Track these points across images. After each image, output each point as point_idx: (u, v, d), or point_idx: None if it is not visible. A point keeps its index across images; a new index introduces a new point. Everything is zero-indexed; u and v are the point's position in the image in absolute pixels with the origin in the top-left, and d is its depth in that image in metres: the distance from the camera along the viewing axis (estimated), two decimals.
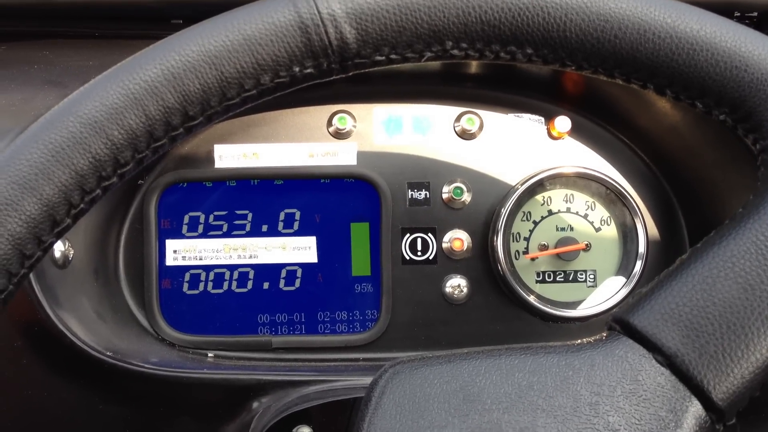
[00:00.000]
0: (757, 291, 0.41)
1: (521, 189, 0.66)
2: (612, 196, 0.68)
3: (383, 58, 0.44)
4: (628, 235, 0.67)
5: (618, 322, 0.43)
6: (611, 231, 0.68)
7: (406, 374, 0.42)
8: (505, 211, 0.66)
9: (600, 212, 0.68)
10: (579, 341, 0.44)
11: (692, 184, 0.67)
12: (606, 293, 0.67)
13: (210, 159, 0.66)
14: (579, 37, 0.44)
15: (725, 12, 0.71)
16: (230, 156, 0.66)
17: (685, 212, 0.69)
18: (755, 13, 0.80)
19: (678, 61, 0.44)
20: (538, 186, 0.67)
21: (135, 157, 0.41)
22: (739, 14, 0.81)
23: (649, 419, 0.40)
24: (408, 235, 0.67)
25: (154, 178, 0.65)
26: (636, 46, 0.44)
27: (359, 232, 0.67)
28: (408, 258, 0.67)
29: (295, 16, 0.41)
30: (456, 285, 0.67)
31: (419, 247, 0.67)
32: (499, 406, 0.41)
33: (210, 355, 0.63)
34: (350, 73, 0.45)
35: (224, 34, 0.42)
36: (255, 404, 0.56)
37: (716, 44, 0.43)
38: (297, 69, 0.42)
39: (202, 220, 0.65)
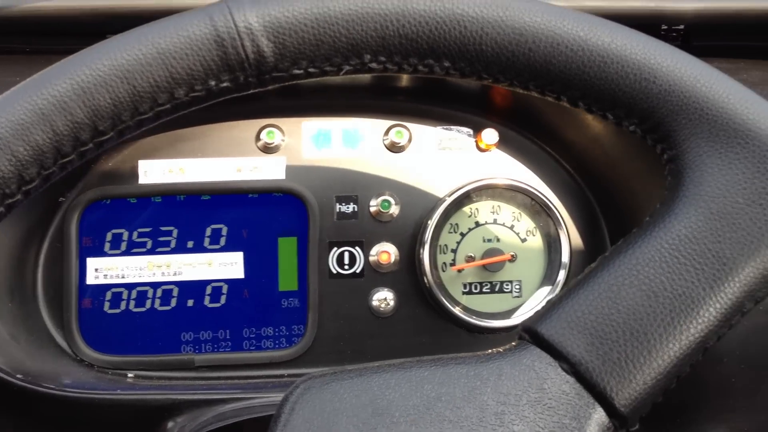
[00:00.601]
0: (660, 298, 0.42)
1: (448, 201, 0.67)
2: (537, 207, 0.69)
3: (301, 71, 0.44)
4: (552, 245, 0.69)
5: (527, 331, 0.44)
6: (537, 241, 0.69)
7: (317, 389, 0.43)
8: (431, 224, 0.66)
9: (526, 223, 0.69)
10: (489, 351, 0.44)
11: (614, 194, 0.69)
12: (532, 303, 0.68)
13: (134, 175, 0.65)
14: (494, 50, 0.45)
15: (652, 25, 0.73)
16: (155, 171, 0.66)
17: (608, 222, 0.70)
18: (682, 26, 0.82)
19: (589, 73, 0.45)
20: (465, 198, 0.68)
21: (41, 174, 0.41)
22: (666, 27, 0.83)
23: (553, 427, 0.41)
24: (335, 248, 0.67)
25: (76, 194, 0.65)
26: (549, 59, 0.45)
27: (287, 247, 0.67)
28: (335, 272, 0.67)
29: (212, 29, 0.42)
30: (383, 298, 0.67)
31: (346, 261, 0.67)
32: (407, 418, 0.41)
33: (130, 375, 0.63)
34: (268, 87, 0.45)
35: (137, 47, 0.41)
36: (170, 424, 0.56)
37: (626, 56, 0.44)
38: (213, 83, 0.42)
39: (125, 237, 0.65)
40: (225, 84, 0.42)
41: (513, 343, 0.44)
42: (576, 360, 0.42)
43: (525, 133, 0.70)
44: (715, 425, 0.61)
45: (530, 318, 0.44)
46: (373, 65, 0.45)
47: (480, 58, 0.45)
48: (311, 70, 0.44)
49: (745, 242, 0.42)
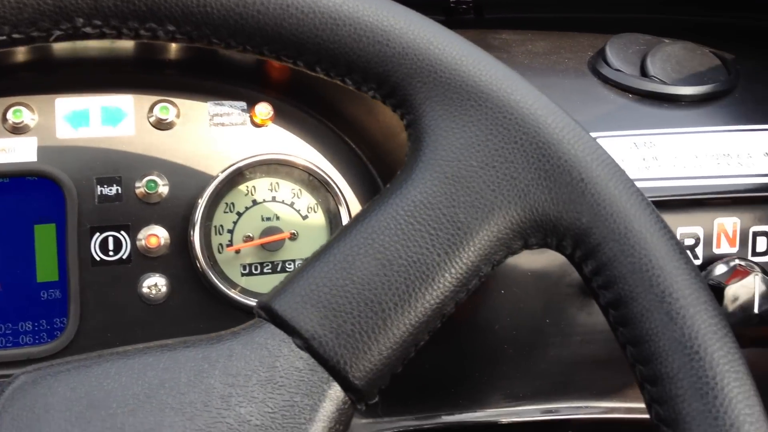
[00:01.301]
0: (395, 266, 0.42)
1: (220, 179, 0.64)
2: (316, 183, 0.67)
3: (4, 37, 0.40)
4: (333, 221, 0.67)
5: (262, 309, 0.42)
6: (318, 218, 0.68)
7: (29, 385, 0.39)
8: (202, 203, 0.64)
9: (307, 200, 0.67)
10: (222, 332, 0.42)
11: (394, 166, 0.68)
12: None
13: None
14: (221, 12, 0.42)
15: None
16: None
17: None
18: None
19: (322, 36, 0.43)
20: (239, 175, 0.65)
21: None
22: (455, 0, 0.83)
23: (284, 406, 0.39)
24: (98, 234, 0.63)
25: None
26: (279, 21, 0.43)
27: (44, 235, 0.62)
28: (99, 259, 0.63)
29: None
30: (153, 284, 0.64)
31: (111, 247, 0.63)
32: (125, 408, 0.38)
33: None
34: None
35: None
36: None
37: (358, 18, 0.43)
38: None
39: None
40: None
41: (249, 322, 0.43)
42: (309, 335, 0.40)
43: (303, 107, 0.69)
44: (491, 392, 0.61)
45: (266, 294, 0.43)
46: (88, 30, 0.42)
47: (206, 21, 0.42)
48: (16, 36, 0.41)
49: (479, 206, 0.42)
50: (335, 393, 0.40)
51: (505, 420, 0.61)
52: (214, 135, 0.66)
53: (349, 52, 0.43)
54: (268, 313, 0.41)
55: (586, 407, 0.62)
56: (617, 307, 0.41)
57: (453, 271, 0.42)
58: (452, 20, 0.81)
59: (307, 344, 0.40)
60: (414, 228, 0.42)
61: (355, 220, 0.43)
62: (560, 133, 0.42)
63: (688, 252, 0.61)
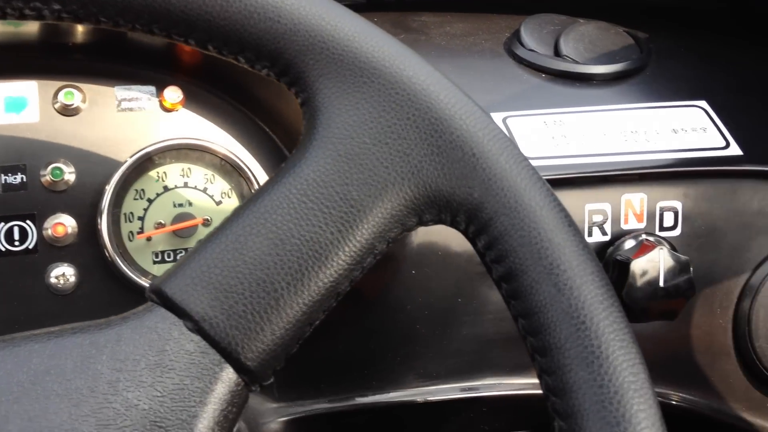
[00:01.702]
0: (287, 245, 0.41)
1: (128, 164, 0.63)
2: (229, 168, 0.67)
3: None
4: None
5: (153, 292, 0.42)
6: (233, 204, 0.67)
7: None
8: (110, 189, 0.63)
9: (220, 185, 0.67)
10: (113, 317, 0.42)
11: None
12: None
13: None
14: None
15: None
16: None
17: None
18: None
19: (212, 13, 0.43)
20: (148, 161, 0.64)
21: None
22: None
23: (173, 389, 0.39)
24: (2, 224, 0.62)
25: None
26: None
27: None
28: (4, 249, 0.62)
29: None
30: (61, 274, 0.63)
31: (17, 237, 0.62)
32: (9, 397, 0.38)
33: None
34: None
35: None
36: None
37: None
38: None
39: None
40: None
41: (140, 307, 0.42)
42: (199, 317, 0.40)
43: (214, 91, 0.68)
44: (405, 373, 0.61)
45: (158, 278, 0.42)
46: None
47: None
48: None
49: (372, 183, 0.42)
50: (227, 375, 0.40)
51: (419, 399, 0.61)
52: (122, 120, 0.65)
53: (240, 29, 0.43)
54: (159, 296, 0.41)
55: (500, 384, 0.63)
56: (508, 280, 0.41)
57: (347, 249, 0.42)
58: (373, 2, 0.81)
59: (197, 326, 0.40)
60: (307, 207, 0.41)
61: (249, 201, 0.43)
62: (452, 109, 0.42)
63: (597, 228, 0.62)
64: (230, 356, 0.40)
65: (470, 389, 0.63)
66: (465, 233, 0.43)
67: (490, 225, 0.42)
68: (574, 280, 0.40)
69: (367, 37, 0.43)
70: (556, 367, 0.39)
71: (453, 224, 0.43)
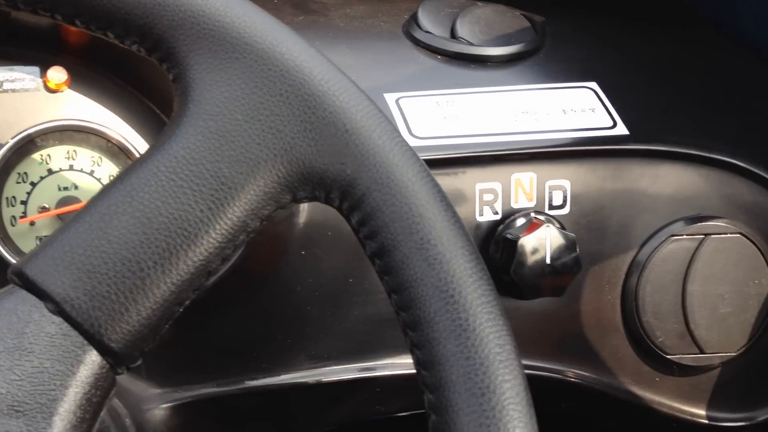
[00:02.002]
0: (154, 224, 0.40)
1: (8, 147, 0.61)
2: (116, 150, 0.65)
3: None
4: None
5: (15, 274, 0.41)
6: None
7: None
8: None
9: (108, 167, 0.65)
10: None
11: None
12: None
13: None
14: None
15: None
16: None
17: None
18: None
19: None
20: (31, 143, 0.63)
21: None
22: None
23: (32, 373, 0.37)
24: None
25: None
26: None
27: None
28: None
29: None
30: None
31: None
32: None
33: None
34: None
35: None
36: None
37: None
38: None
39: None
40: None
41: (1, 289, 0.41)
42: (60, 298, 0.39)
43: (101, 71, 0.66)
44: (296, 354, 0.61)
45: (21, 259, 0.41)
46: None
47: None
48: None
49: (244, 160, 0.42)
50: (91, 357, 0.39)
51: (311, 381, 0.61)
52: (4, 102, 0.63)
53: (107, 3, 0.42)
54: (20, 277, 0.40)
55: (394, 364, 0.63)
56: (381, 256, 0.41)
57: (217, 226, 0.41)
58: None
59: (59, 308, 0.39)
60: (176, 184, 0.41)
61: (115, 180, 0.42)
62: (326, 85, 0.42)
63: (488, 207, 0.63)
64: (93, 338, 0.39)
65: (363, 369, 0.63)
66: (339, 210, 0.43)
67: (363, 201, 0.42)
68: (444, 254, 0.40)
69: (238, 12, 0.42)
70: (425, 340, 0.40)
71: (327, 201, 0.43)
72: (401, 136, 0.43)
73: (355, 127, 0.42)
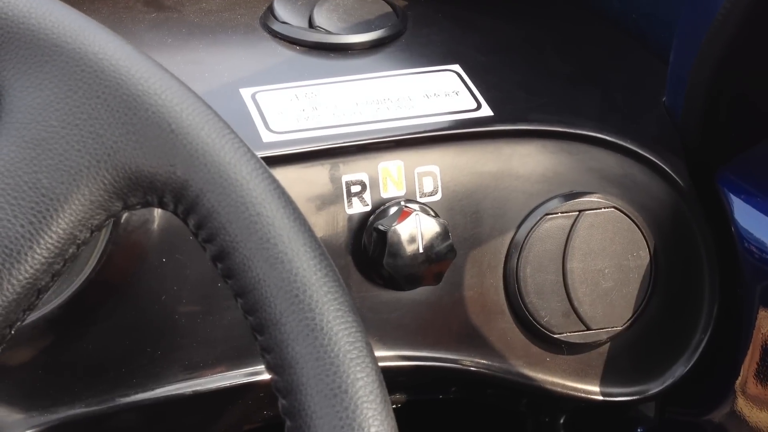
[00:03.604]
0: None
1: None
2: None
3: None
4: None
5: None
6: None
7: None
8: None
9: None
10: None
11: None
12: None
13: None
14: None
15: None
16: None
17: None
18: None
19: None
20: None
21: None
22: None
23: None
24: None
25: None
26: None
27: None
28: None
29: None
30: None
31: None
32: None
33: None
34: None
35: None
36: None
37: None
38: None
39: None
40: None
41: None
42: None
43: None
44: (168, 366, 0.60)
45: None
46: None
47: None
48: None
49: (64, 168, 0.40)
50: None
51: (188, 392, 0.60)
52: None
53: None
54: None
55: None
56: (222, 259, 0.41)
57: (42, 241, 0.40)
58: None
59: None
60: None
61: None
62: (145, 84, 0.41)
63: (357, 199, 0.63)
64: None
65: (245, 375, 0.62)
66: (176, 213, 0.42)
67: (198, 203, 0.41)
68: (286, 252, 0.40)
69: (44, 12, 0.41)
70: (274, 344, 0.39)
71: (161, 205, 0.42)
72: (232, 132, 0.42)
73: (180, 126, 0.41)
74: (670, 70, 0.69)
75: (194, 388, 0.60)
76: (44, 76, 0.40)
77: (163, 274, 0.58)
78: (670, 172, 0.68)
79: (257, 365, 0.62)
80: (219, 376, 0.61)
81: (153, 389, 0.59)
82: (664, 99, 0.71)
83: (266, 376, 0.62)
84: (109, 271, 0.55)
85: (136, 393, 0.59)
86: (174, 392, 0.60)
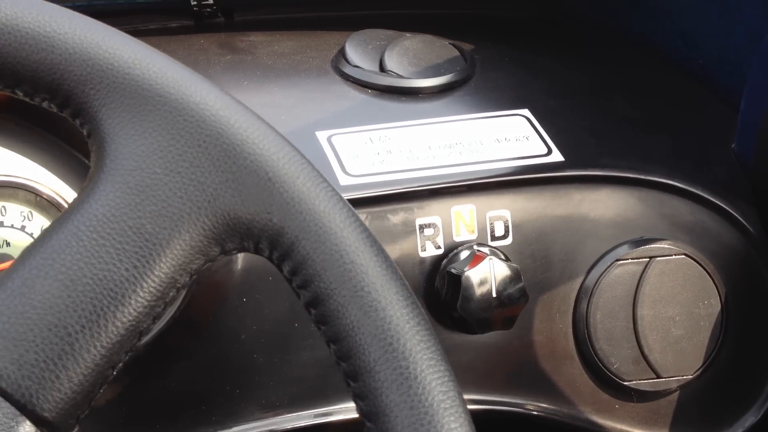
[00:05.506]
0: (79, 285, 0.41)
1: None
2: (45, 203, 0.65)
3: None
4: None
5: None
6: None
7: None
8: None
9: (39, 221, 0.66)
10: None
11: None
12: None
13: None
14: None
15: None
16: None
17: None
18: (211, 1, 0.83)
19: None
20: None
21: None
22: (196, 2, 0.83)
23: None
24: None
25: None
26: None
27: None
28: None
29: None
30: None
31: None
32: None
33: None
34: None
35: None
36: None
37: (17, 26, 0.42)
38: None
39: None
40: None
41: None
42: None
43: (25, 123, 0.66)
44: (246, 404, 0.61)
45: None
46: None
47: None
48: None
49: (167, 215, 0.42)
50: (25, 428, 0.39)
51: (264, 431, 0.61)
52: None
53: (12, 61, 0.43)
54: None
55: (348, 408, 0.63)
56: (316, 305, 0.42)
57: (144, 285, 0.42)
58: (201, 24, 0.81)
59: None
60: (98, 244, 0.41)
61: (36, 241, 0.42)
62: (244, 133, 0.43)
63: (430, 242, 0.64)
64: (25, 408, 0.39)
65: (318, 416, 0.64)
66: (270, 260, 0.44)
67: (293, 250, 0.42)
68: (379, 301, 0.41)
69: (148, 63, 0.43)
70: (367, 391, 0.40)
71: (257, 251, 0.44)
72: (326, 181, 0.44)
73: (277, 175, 0.43)
74: (741, 115, 0.70)
75: (271, 427, 0.62)
76: (148, 125, 0.43)
77: (243, 313, 0.60)
78: (740, 219, 0.69)
79: (331, 405, 0.64)
80: (294, 415, 0.63)
81: (231, 427, 0.61)
82: (733, 145, 0.72)
83: (340, 417, 0.64)
84: (192, 311, 0.57)
85: (215, 430, 0.60)
86: (251, 431, 0.61)
